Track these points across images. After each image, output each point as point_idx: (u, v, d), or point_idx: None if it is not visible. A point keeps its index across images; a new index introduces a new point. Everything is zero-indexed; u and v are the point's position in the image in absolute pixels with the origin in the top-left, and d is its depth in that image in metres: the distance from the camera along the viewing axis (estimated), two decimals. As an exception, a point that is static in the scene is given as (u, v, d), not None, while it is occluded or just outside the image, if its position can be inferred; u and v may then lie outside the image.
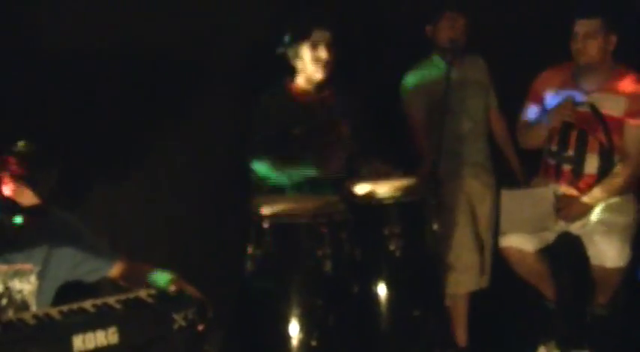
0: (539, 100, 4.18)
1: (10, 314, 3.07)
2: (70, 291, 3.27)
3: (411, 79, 4.39)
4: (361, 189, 3.70)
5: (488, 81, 4.48)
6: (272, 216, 3.46)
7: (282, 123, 3.87)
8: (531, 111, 4.21)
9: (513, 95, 4.37)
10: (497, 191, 4.30)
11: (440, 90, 4.18)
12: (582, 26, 4.01)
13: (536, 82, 4.21)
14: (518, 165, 4.51)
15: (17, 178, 3.01)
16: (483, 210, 4.37)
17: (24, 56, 3.80)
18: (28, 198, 3.03)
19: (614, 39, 4.04)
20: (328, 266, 3.43)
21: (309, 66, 3.90)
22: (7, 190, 3.02)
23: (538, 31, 4.64)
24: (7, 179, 3.02)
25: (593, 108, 4.05)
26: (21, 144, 3.11)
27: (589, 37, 3.99)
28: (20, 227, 3.06)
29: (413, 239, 3.67)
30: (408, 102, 4.38)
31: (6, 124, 3.66)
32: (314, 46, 3.87)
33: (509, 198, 4.09)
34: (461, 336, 4.35)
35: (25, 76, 3.81)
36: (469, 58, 4.40)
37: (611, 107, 4.04)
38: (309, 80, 3.96)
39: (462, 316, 4.35)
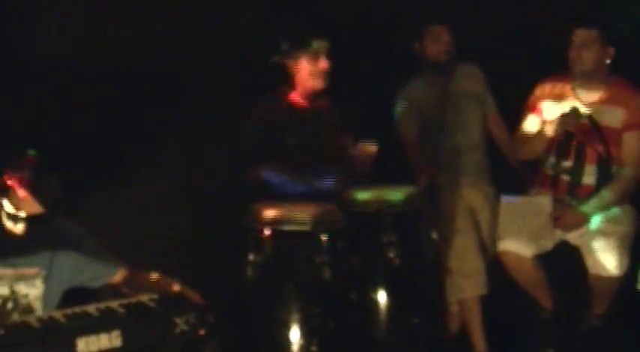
0: (539, 111, 4.21)
1: (16, 317, 3.12)
2: (74, 297, 3.33)
3: (401, 97, 4.43)
4: (360, 197, 3.76)
5: (484, 90, 4.50)
6: (271, 224, 3.51)
7: (275, 132, 3.91)
8: (530, 122, 4.23)
9: (510, 105, 4.41)
10: (497, 201, 4.30)
11: (431, 104, 4.24)
12: (579, 35, 4.05)
13: (534, 93, 4.23)
14: (521, 167, 4.50)
15: (21, 187, 3.06)
16: (484, 219, 4.38)
17: (25, 68, 3.85)
18: (31, 206, 3.07)
19: (611, 51, 4.08)
20: (327, 273, 3.49)
21: (308, 76, 3.94)
22: (13, 200, 3.07)
23: (536, 40, 4.69)
24: (11, 188, 3.07)
25: (592, 120, 4.09)
26: (24, 153, 3.15)
27: (585, 47, 4.02)
28: (25, 234, 3.12)
29: (411, 247, 3.73)
30: (400, 119, 4.42)
31: (8, 135, 3.71)
32: (314, 56, 3.92)
33: (508, 206, 4.12)
34: (478, 342, 4.31)
35: (26, 88, 3.87)
36: (461, 69, 4.41)
37: (610, 119, 4.07)
38: (306, 89, 3.99)
39: (476, 322, 4.33)
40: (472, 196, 4.37)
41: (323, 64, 3.92)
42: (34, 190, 3.06)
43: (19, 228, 3.09)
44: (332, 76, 3.97)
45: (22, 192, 3.06)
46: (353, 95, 4.45)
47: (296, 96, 4.02)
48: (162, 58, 4.16)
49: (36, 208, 3.08)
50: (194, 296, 3.13)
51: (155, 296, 3.08)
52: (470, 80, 4.43)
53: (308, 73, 3.94)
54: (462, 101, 4.36)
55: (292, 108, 4.00)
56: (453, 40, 4.33)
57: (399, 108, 4.42)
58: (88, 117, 3.99)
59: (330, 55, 3.94)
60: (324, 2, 4.65)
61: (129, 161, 4.13)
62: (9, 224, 3.10)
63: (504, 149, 4.54)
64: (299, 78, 3.98)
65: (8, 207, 3.07)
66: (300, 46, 3.93)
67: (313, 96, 4.01)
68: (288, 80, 4.01)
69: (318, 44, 3.92)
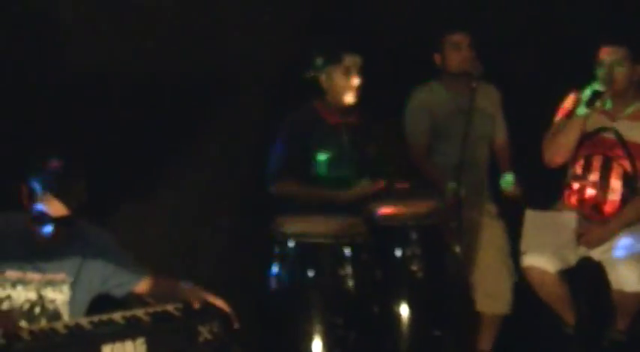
0: (570, 116, 4.14)
1: (43, 322, 3.17)
2: (101, 305, 3.37)
3: (414, 100, 4.44)
4: (384, 211, 3.79)
5: (496, 111, 4.51)
6: (296, 236, 3.56)
7: (307, 146, 3.95)
8: (560, 122, 4.18)
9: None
10: (500, 218, 4.39)
11: (442, 114, 4.26)
12: (609, 54, 4.05)
13: (568, 99, 4.21)
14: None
15: (47, 190, 3.11)
16: (495, 237, 4.38)
17: (57, 77, 3.90)
18: (57, 208, 3.12)
19: (639, 69, 4.09)
20: (350, 285, 3.52)
21: (341, 90, 3.98)
22: (40, 203, 3.12)
23: (558, 57, 4.71)
24: (37, 190, 3.12)
25: (618, 135, 4.10)
26: (49, 158, 3.21)
27: (617, 65, 4.03)
28: (50, 237, 3.17)
29: (434, 260, 3.76)
30: (411, 123, 4.43)
31: (35, 141, 3.77)
32: (346, 71, 3.96)
33: (533, 219, 4.13)
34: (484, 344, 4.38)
35: (58, 96, 3.92)
36: (480, 86, 4.28)
37: (637, 134, 4.07)
38: (338, 104, 4.03)
39: (488, 339, 4.39)
40: (468, 220, 4.32)
41: (355, 79, 3.97)
42: (59, 193, 3.11)
43: (46, 231, 3.15)
44: (364, 91, 4.01)
45: (47, 195, 3.12)
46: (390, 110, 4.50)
47: (327, 111, 4.06)
48: (192, 70, 4.20)
49: (61, 210, 3.13)
50: (220, 304, 3.16)
51: (180, 306, 3.13)
52: (485, 99, 4.42)
53: (340, 88, 3.98)
54: (478, 118, 4.30)
55: (324, 123, 4.04)
56: (475, 51, 4.32)
57: (410, 111, 4.44)
58: (117, 128, 4.02)
59: (364, 71, 3.98)
60: (358, 17, 4.67)
61: (156, 172, 4.17)
62: (36, 227, 3.16)
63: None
64: (331, 93, 4.03)
65: (35, 210, 3.13)
66: (333, 61, 3.97)
67: (345, 110, 4.05)
68: (320, 95, 4.06)
69: (350, 59, 3.97)
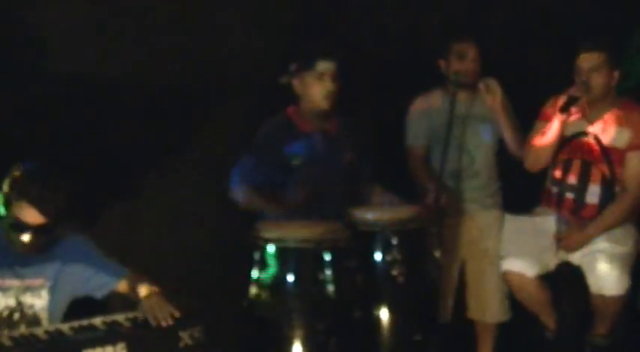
0: (549, 120, 4.17)
1: (22, 328, 3.17)
2: (80, 308, 3.37)
3: (415, 108, 4.45)
4: (365, 216, 3.79)
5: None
6: (276, 241, 3.55)
7: (281, 153, 3.94)
8: (540, 129, 4.19)
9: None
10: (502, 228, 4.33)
11: (441, 122, 4.26)
12: (587, 60, 4.08)
13: (548, 104, 4.23)
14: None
15: (24, 198, 3.11)
16: (491, 246, 4.37)
17: (39, 79, 3.91)
18: (34, 217, 3.12)
19: (616, 74, 4.12)
20: (330, 291, 3.52)
21: (314, 96, 3.97)
22: (16, 209, 3.13)
23: (542, 63, 4.74)
24: (15, 198, 3.13)
25: (597, 140, 4.12)
26: (28, 164, 3.22)
27: (594, 71, 4.06)
28: (28, 244, 3.17)
29: (415, 265, 3.75)
30: (410, 131, 4.44)
31: (18, 146, 3.77)
32: (319, 78, 3.94)
33: (512, 224, 4.16)
34: None
35: (46, 98, 3.93)
36: (479, 93, 4.35)
37: (615, 139, 4.10)
38: (313, 110, 4.02)
39: (484, 346, 4.44)
40: (473, 224, 4.41)
41: (328, 85, 3.95)
42: (36, 201, 3.10)
43: (24, 239, 3.14)
44: (342, 97, 4.01)
45: (24, 203, 3.11)
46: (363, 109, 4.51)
47: (301, 118, 4.05)
48: (181, 74, 4.21)
49: (38, 218, 3.13)
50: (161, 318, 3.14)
51: (131, 316, 3.16)
52: (483, 105, 4.36)
53: (313, 94, 3.97)
54: (470, 124, 4.37)
55: (296, 129, 4.03)
56: (480, 59, 4.33)
57: (410, 118, 4.45)
58: (105, 131, 4.04)
59: (340, 76, 3.97)
60: (348, 23, 4.69)
61: (142, 176, 4.18)
62: (14, 234, 3.15)
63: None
64: (304, 99, 4.02)
65: (12, 217, 3.12)
66: (306, 66, 3.96)
67: (320, 117, 4.04)
68: (295, 101, 4.05)
69: (323, 65, 3.95)
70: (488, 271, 4.37)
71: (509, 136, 4.33)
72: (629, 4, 4.62)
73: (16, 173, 3.18)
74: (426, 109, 4.43)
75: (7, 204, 3.14)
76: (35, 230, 3.14)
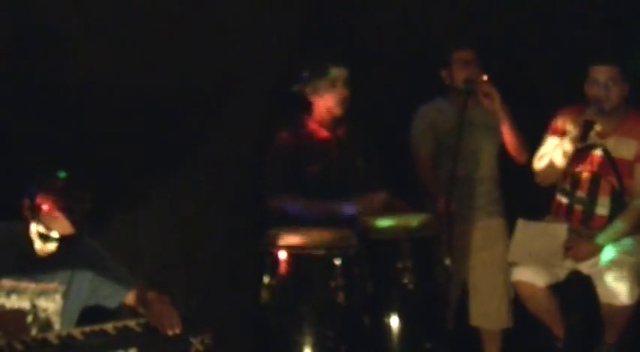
0: (561, 134, 4.18)
1: (34, 332, 3.19)
2: (94, 317, 3.38)
3: (419, 117, 4.46)
4: (376, 223, 3.81)
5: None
6: (287, 248, 3.57)
7: (298, 160, 3.96)
8: (550, 144, 4.21)
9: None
10: (507, 233, 4.36)
11: (446, 130, 4.29)
12: (603, 73, 4.08)
13: (557, 117, 4.24)
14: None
15: (55, 208, 3.13)
16: (497, 253, 4.38)
17: (45, 84, 3.92)
18: (63, 226, 3.14)
19: (627, 86, 4.13)
20: (341, 297, 3.53)
21: (328, 103, 3.99)
22: (45, 219, 3.14)
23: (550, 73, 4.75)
24: (45, 207, 3.14)
25: (606, 152, 4.14)
26: (57, 174, 3.23)
27: (612, 84, 4.06)
28: (53, 253, 3.19)
29: (425, 273, 3.77)
30: (415, 139, 4.45)
31: (40, 156, 3.79)
32: (332, 84, 3.97)
33: (523, 229, 4.16)
34: None
35: (55, 103, 3.95)
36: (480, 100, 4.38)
37: (624, 151, 4.12)
38: (326, 117, 4.04)
39: None
40: (476, 231, 4.40)
41: (341, 91, 3.98)
42: (67, 211, 3.13)
43: (49, 248, 3.16)
44: (354, 103, 4.03)
45: (55, 213, 3.13)
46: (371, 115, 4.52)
47: (315, 124, 4.07)
48: (187, 78, 4.21)
49: (68, 229, 3.15)
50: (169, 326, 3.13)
51: (142, 321, 3.16)
52: (487, 112, 4.37)
53: (326, 100, 4.00)
54: (475, 132, 4.37)
55: (312, 136, 4.05)
56: (480, 66, 4.33)
57: (416, 127, 4.45)
58: (111, 136, 4.04)
59: (353, 83, 4.00)
60: (358, 28, 4.71)
61: (150, 181, 4.19)
62: (40, 243, 3.17)
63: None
64: (318, 106, 4.05)
65: (40, 226, 3.14)
66: (319, 74, 3.99)
67: (333, 123, 4.06)
68: (308, 109, 4.07)
69: (336, 72, 3.98)
70: (492, 278, 4.37)
71: (510, 141, 4.34)
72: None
73: (44, 182, 3.19)
74: (431, 118, 4.44)
75: (35, 214, 3.15)
76: (63, 240, 3.16)
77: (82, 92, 3.97)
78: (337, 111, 4.01)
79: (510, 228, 4.30)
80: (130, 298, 3.40)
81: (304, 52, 4.18)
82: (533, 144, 4.30)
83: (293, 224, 3.80)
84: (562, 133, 4.18)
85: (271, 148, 4.03)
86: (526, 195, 4.48)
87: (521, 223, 4.18)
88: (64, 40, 4.00)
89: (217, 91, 4.28)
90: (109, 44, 4.05)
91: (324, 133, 4.07)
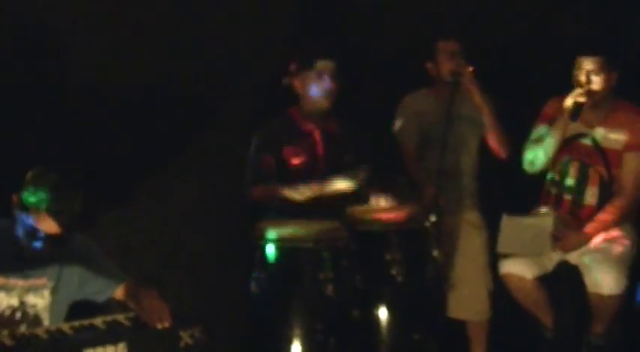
0: (552, 121, 4.20)
1: (23, 328, 3.18)
2: (82, 312, 3.39)
3: (404, 107, 4.48)
4: (364, 216, 3.82)
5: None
6: (276, 240, 3.58)
7: (281, 152, 3.98)
8: (542, 130, 4.23)
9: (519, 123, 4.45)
10: (482, 229, 4.42)
11: (431, 121, 4.31)
12: (587, 63, 4.11)
13: (548, 105, 4.26)
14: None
15: (42, 208, 3.10)
16: (462, 248, 4.41)
17: (50, 89, 3.94)
18: (50, 227, 3.13)
19: (614, 76, 4.14)
20: (330, 290, 3.54)
21: (314, 95, 4.01)
22: (32, 218, 3.13)
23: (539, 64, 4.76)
24: (32, 208, 3.12)
25: (595, 142, 4.15)
26: (45, 174, 3.18)
27: (594, 73, 4.09)
28: (41, 252, 3.18)
29: (414, 265, 3.78)
30: (400, 130, 4.47)
31: (29, 156, 3.79)
32: (319, 76, 3.99)
33: (509, 222, 4.17)
34: None
35: (49, 103, 3.95)
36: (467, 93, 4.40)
37: (612, 141, 4.14)
38: (312, 109, 4.05)
39: (480, 346, 4.45)
40: (449, 226, 4.37)
41: (328, 84, 3.99)
42: (54, 212, 3.11)
43: (36, 246, 3.16)
44: (342, 97, 4.04)
45: (42, 213, 3.12)
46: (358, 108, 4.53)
47: (302, 117, 4.09)
48: (179, 79, 4.22)
49: (55, 229, 3.14)
50: (158, 320, 3.14)
51: (131, 315, 3.16)
52: (471, 105, 4.38)
53: (312, 93, 4.01)
54: (464, 125, 4.39)
55: (297, 128, 4.06)
56: (465, 59, 4.32)
57: (400, 117, 4.47)
58: (103, 135, 4.05)
59: (339, 75, 4.01)
60: (347, 23, 4.71)
61: (141, 177, 4.20)
62: (27, 240, 3.16)
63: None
64: (305, 98, 4.06)
65: (28, 224, 3.14)
66: (305, 65, 4.00)
67: (320, 116, 4.07)
68: (296, 101, 4.09)
69: (322, 64, 3.99)
70: (472, 270, 4.39)
71: (491, 135, 4.37)
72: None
73: (36, 181, 3.16)
74: (415, 109, 4.46)
75: (23, 212, 3.15)
76: (50, 239, 3.16)
77: (72, 91, 3.97)
78: (323, 103, 4.02)
79: (495, 222, 4.30)
80: (119, 293, 3.40)
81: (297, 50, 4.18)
82: (522, 137, 4.31)
83: (281, 215, 3.82)
84: (552, 120, 4.19)
85: (255, 140, 4.04)
86: (511, 189, 4.52)
87: (506, 217, 4.19)
88: (56, 38, 3.99)
89: (209, 89, 4.29)
90: (100, 43, 4.04)
91: (309, 126, 4.08)
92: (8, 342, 2.97)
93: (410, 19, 4.77)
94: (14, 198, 3.17)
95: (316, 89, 3.99)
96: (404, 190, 4.08)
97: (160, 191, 4.24)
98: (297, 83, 4.04)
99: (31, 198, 3.12)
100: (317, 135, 4.08)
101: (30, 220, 3.12)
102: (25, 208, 3.13)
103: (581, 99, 4.06)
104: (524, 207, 4.32)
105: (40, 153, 3.80)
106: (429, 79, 4.46)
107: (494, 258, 4.28)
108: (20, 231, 3.16)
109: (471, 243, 4.43)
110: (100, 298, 3.40)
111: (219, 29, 4.37)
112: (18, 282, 3.25)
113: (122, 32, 4.10)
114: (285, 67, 4.06)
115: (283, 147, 4.00)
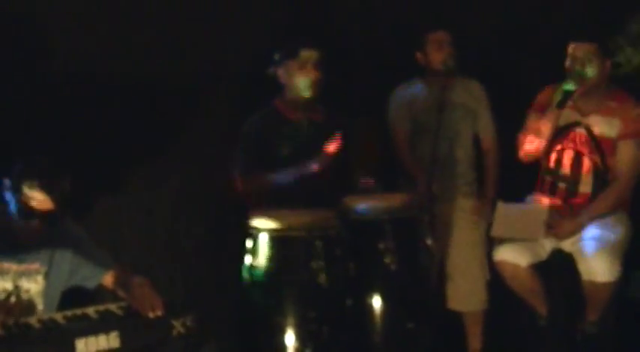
0: (545, 109, 4.20)
1: (17, 312, 3.19)
2: (74, 299, 3.40)
3: (396, 97, 4.50)
4: (357, 204, 3.81)
5: (479, 107, 4.51)
6: (268, 229, 3.59)
7: (267, 142, 3.98)
8: (533, 120, 4.22)
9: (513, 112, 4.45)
10: (483, 220, 4.40)
11: (423, 110, 4.32)
12: (579, 50, 4.10)
13: (541, 95, 4.26)
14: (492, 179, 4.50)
15: (35, 184, 3.16)
16: (458, 237, 4.42)
17: (39, 78, 3.94)
18: (43, 203, 3.17)
19: (608, 63, 4.14)
20: (322, 279, 3.55)
21: (297, 85, 4.00)
22: (25, 196, 3.17)
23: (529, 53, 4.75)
24: (25, 186, 3.17)
25: (589, 130, 4.15)
26: (37, 155, 3.28)
27: (586, 60, 4.08)
28: (35, 231, 3.21)
29: (407, 253, 3.78)
30: (392, 119, 4.48)
31: (22, 137, 3.81)
32: (302, 66, 3.98)
33: (504, 209, 4.17)
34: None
35: (38, 92, 3.95)
36: (461, 82, 4.46)
37: (606, 129, 4.13)
38: (297, 99, 4.04)
39: (476, 335, 4.46)
40: (445, 214, 4.39)
41: (311, 73, 3.99)
42: (47, 187, 3.16)
43: (32, 225, 3.19)
44: (346, 89, 4.05)
45: (35, 190, 3.15)
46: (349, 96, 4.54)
47: (286, 107, 4.08)
48: (169, 71, 4.22)
49: (48, 204, 3.17)
50: (150, 308, 3.16)
51: (123, 305, 3.19)
52: (467, 95, 4.45)
53: (297, 82, 4.00)
54: (455, 113, 4.40)
55: (282, 118, 4.06)
56: (455, 49, 4.36)
57: (392, 107, 4.49)
58: (93, 125, 4.05)
59: (324, 65, 4.01)
60: (340, 16, 4.71)
61: (131, 167, 4.20)
62: (22, 221, 3.19)
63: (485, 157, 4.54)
64: (289, 88, 4.05)
65: (21, 204, 3.16)
66: (289, 56, 4.00)
67: (305, 106, 4.07)
68: (281, 91, 4.09)
69: (306, 54, 3.98)
70: (469, 260, 4.40)
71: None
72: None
73: (26, 162, 3.24)
74: (407, 99, 4.47)
75: (16, 192, 3.18)
76: (43, 217, 3.18)
77: (63, 81, 3.96)
78: (307, 93, 4.01)
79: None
80: (108, 279, 3.42)
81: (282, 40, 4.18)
82: (517, 126, 4.30)
83: (273, 204, 3.82)
84: (545, 108, 4.19)
85: (241, 132, 4.05)
86: (512, 175, 4.51)
87: (500, 206, 4.19)
88: (43, 28, 3.98)
89: (198, 80, 4.29)
90: (88, 33, 4.04)
91: (294, 115, 4.08)
92: (1, 332, 2.98)
93: (401, 7, 4.76)
94: (6, 181, 3.21)
95: (300, 78, 3.99)
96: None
97: (151, 181, 4.24)
98: (281, 73, 4.03)
99: (22, 177, 3.17)
100: (301, 124, 4.07)
101: (23, 198, 3.16)
102: (19, 189, 3.16)
103: (570, 87, 4.06)
104: (520, 195, 4.32)
105: (29, 143, 3.80)
106: (421, 69, 4.47)
107: (489, 247, 4.29)
108: (14, 210, 3.19)
109: (467, 233, 4.44)
110: (90, 284, 3.43)
111: (206, 20, 4.36)
112: (12, 266, 3.28)
113: (110, 23, 4.09)
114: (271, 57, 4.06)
115: (270, 138, 4.00)
